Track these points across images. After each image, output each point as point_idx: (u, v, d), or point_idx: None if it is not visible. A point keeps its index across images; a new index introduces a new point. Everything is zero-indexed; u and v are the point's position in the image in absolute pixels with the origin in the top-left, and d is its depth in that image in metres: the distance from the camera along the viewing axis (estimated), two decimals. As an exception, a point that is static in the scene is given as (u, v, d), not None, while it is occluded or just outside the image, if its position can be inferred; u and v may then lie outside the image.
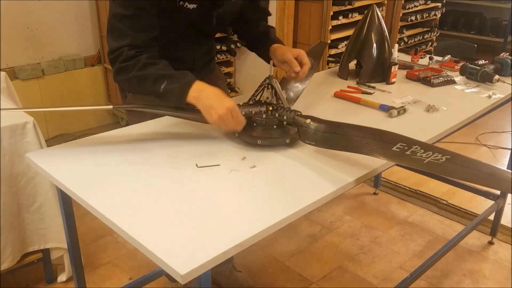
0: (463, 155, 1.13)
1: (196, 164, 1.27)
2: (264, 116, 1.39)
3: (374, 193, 2.90)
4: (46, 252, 2.01)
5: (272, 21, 3.02)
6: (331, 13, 3.04)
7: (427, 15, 4.02)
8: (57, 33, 3.40)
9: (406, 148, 1.16)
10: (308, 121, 1.31)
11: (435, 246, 2.37)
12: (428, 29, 4.17)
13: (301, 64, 1.49)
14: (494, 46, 5.57)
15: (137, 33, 1.34)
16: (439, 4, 4.17)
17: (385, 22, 2.05)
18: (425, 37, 4.15)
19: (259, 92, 1.46)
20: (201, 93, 1.29)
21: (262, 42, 1.62)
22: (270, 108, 1.39)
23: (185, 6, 1.41)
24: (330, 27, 3.07)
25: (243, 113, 1.38)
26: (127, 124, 1.57)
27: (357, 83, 1.95)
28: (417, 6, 3.91)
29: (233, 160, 1.30)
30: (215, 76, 1.79)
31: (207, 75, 1.74)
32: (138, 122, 1.55)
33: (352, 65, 2.12)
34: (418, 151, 1.15)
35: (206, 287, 0.97)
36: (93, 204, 1.09)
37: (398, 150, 1.17)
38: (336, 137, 1.27)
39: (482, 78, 1.97)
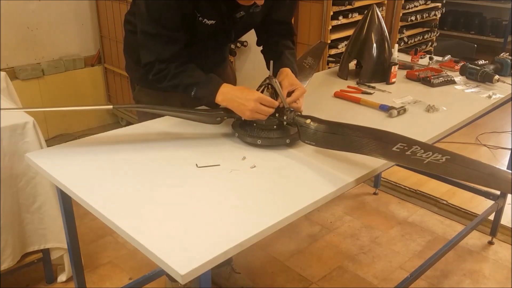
0: (463, 156, 1.13)
1: (196, 164, 1.27)
2: (264, 116, 1.39)
3: (374, 193, 2.90)
4: (46, 252, 2.01)
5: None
6: (331, 13, 3.04)
7: (427, 15, 4.02)
8: (57, 33, 3.40)
9: (406, 148, 1.16)
10: (308, 121, 1.31)
11: (435, 246, 2.37)
12: (428, 29, 4.17)
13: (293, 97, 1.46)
14: (494, 46, 5.56)
15: (164, 49, 1.41)
16: (439, 4, 4.17)
17: (385, 22, 2.05)
18: (425, 37, 4.15)
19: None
20: (227, 95, 1.38)
21: (273, 60, 1.57)
22: None
23: (204, 22, 1.44)
24: (330, 27, 3.07)
25: None
26: (127, 124, 1.58)
27: (357, 83, 1.95)
28: (417, 6, 3.91)
29: (233, 160, 1.30)
30: (226, 75, 1.80)
31: (218, 74, 1.74)
32: (146, 116, 1.58)
33: (352, 65, 2.12)
34: (418, 151, 1.15)
35: (206, 287, 0.97)
36: (93, 204, 1.09)
37: (398, 150, 1.17)
38: (336, 137, 1.27)
39: (482, 78, 1.97)
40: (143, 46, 1.44)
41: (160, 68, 1.42)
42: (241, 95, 1.36)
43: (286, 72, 1.52)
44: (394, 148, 1.17)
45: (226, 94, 1.39)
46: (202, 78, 1.42)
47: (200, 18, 1.43)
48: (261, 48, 1.71)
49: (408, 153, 1.15)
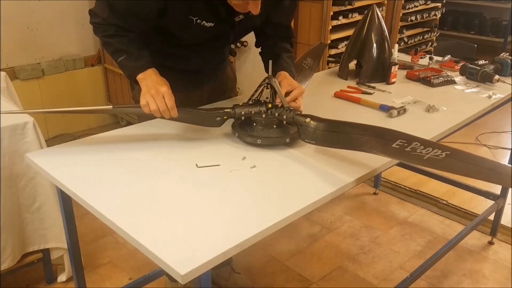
0: (463, 151, 1.13)
1: (196, 164, 1.27)
2: (263, 115, 1.38)
3: (374, 193, 2.90)
4: (46, 252, 2.01)
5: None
6: (331, 13, 3.04)
7: (427, 15, 4.02)
8: (57, 33, 3.40)
9: (406, 144, 1.16)
10: (308, 119, 1.31)
11: (435, 246, 2.37)
12: (428, 29, 4.17)
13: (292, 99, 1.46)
14: (494, 46, 5.57)
15: (114, 19, 1.38)
16: (439, 4, 4.17)
17: (385, 22, 2.05)
18: (425, 37, 4.15)
19: (259, 92, 1.46)
20: (149, 77, 1.38)
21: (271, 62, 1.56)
22: (270, 106, 1.39)
23: (202, 24, 1.43)
24: (330, 27, 3.07)
25: (242, 112, 1.39)
26: (127, 124, 1.58)
27: (357, 83, 1.95)
28: (417, 6, 3.91)
29: (233, 160, 1.30)
30: (225, 76, 1.80)
31: (217, 75, 1.74)
32: (145, 116, 1.56)
33: (352, 65, 2.12)
34: (417, 147, 1.15)
35: (206, 287, 0.97)
36: (93, 204, 1.09)
37: (398, 147, 1.17)
38: (336, 135, 1.27)
39: (482, 78, 1.97)
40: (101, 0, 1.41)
41: (103, 23, 1.40)
42: (156, 83, 1.35)
43: (285, 74, 1.52)
44: (394, 145, 1.17)
45: (148, 76, 1.38)
46: (136, 51, 1.41)
47: (198, 21, 1.42)
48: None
49: (408, 149, 1.16)
